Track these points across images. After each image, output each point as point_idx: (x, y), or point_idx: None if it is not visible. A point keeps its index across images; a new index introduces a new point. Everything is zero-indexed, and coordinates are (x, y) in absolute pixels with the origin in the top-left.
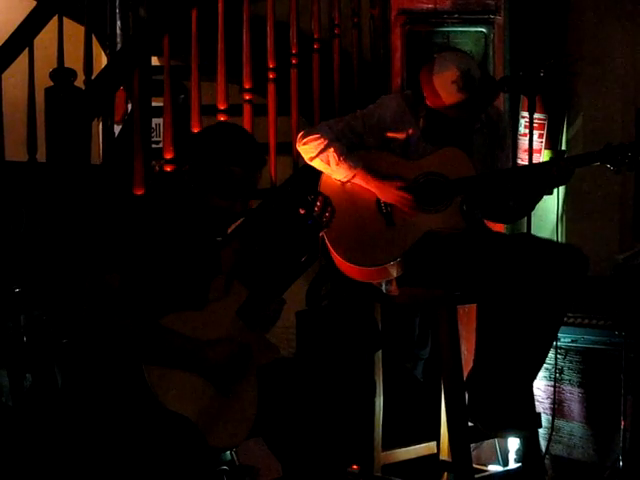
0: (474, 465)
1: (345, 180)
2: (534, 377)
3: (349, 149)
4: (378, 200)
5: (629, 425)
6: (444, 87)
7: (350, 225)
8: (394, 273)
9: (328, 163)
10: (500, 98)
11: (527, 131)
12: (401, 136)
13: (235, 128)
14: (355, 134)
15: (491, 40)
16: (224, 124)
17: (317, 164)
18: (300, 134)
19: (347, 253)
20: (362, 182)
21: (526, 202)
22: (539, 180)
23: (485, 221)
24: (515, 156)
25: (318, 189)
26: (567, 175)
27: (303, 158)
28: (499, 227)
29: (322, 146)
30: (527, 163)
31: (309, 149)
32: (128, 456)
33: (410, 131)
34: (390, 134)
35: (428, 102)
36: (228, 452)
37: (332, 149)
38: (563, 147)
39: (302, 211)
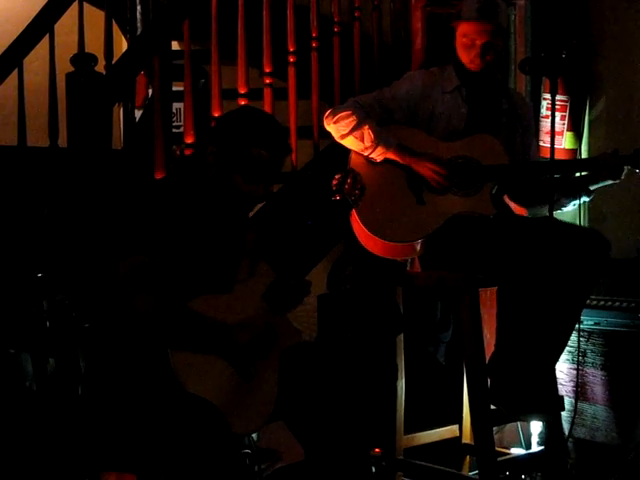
0: (496, 448)
1: (379, 158)
2: (556, 360)
3: (379, 125)
4: (409, 177)
5: None
6: (467, 4)
7: (379, 199)
8: (418, 250)
9: (362, 140)
10: (522, 80)
11: (549, 113)
12: (429, 111)
13: (263, 113)
14: (384, 109)
15: (512, 21)
16: (252, 108)
17: (349, 142)
18: (327, 112)
19: (375, 227)
20: (397, 159)
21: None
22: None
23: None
24: (537, 138)
25: (348, 166)
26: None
27: (332, 137)
28: (520, 211)
29: (354, 123)
30: (549, 145)
31: (340, 127)
32: (151, 441)
33: (438, 106)
34: (419, 108)
35: (456, 32)
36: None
37: (367, 126)
38: (585, 129)
39: (334, 185)
